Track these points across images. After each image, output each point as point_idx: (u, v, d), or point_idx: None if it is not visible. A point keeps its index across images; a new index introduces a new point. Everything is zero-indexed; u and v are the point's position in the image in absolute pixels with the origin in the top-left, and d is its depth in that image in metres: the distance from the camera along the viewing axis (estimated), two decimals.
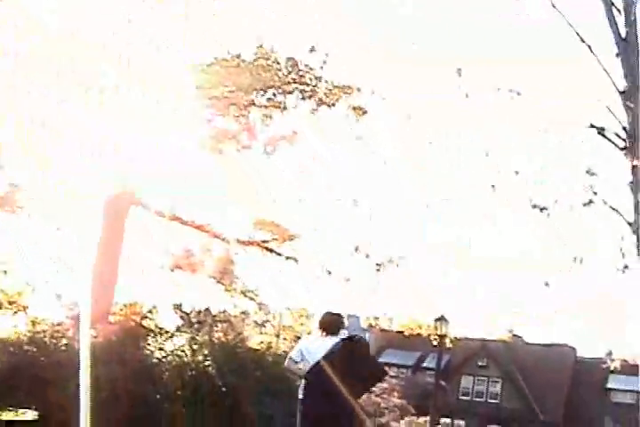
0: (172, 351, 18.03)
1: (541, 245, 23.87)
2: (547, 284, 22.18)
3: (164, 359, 17.80)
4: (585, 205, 21.29)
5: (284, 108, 19.19)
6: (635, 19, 22.31)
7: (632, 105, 22.87)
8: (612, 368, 48.04)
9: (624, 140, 23.15)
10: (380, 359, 62.10)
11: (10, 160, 19.97)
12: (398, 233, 22.25)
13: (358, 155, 20.50)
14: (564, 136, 22.35)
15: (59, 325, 17.93)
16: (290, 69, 18.76)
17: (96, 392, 13.83)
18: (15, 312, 22.96)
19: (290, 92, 18.66)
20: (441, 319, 30.49)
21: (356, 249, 21.54)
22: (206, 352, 17.58)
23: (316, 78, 18.85)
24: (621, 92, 23.37)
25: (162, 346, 18.05)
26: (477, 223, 22.98)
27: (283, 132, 20.27)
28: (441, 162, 21.85)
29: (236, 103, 18.80)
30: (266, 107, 19.06)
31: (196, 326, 20.31)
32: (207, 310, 30.66)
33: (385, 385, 52.79)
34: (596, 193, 21.28)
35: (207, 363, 17.26)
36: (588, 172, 20.93)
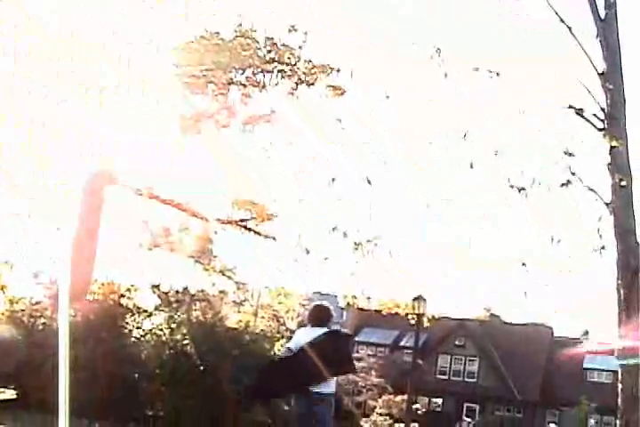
0: (151, 330, 18.09)
1: (519, 225, 23.95)
2: (524, 264, 22.28)
3: (142, 338, 17.86)
4: (563, 185, 21.35)
5: (263, 86, 19.11)
6: (614, 1, 22.36)
7: (611, 86, 22.93)
8: (588, 348, 48.27)
9: (602, 121, 23.22)
10: (358, 338, 62.45)
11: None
12: (376, 213, 22.26)
13: (337, 134, 20.45)
14: (543, 117, 22.38)
15: (37, 304, 17.91)
16: (269, 49, 18.68)
17: (75, 371, 13.85)
18: None
19: (269, 72, 18.59)
20: (418, 299, 30.56)
21: (334, 228, 21.53)
22: (185, 331, 17.63)
23: (295, 57, 18.79)
24: (600, 74, 23.43)
25: (140, 325, 18.09)
26: (453, 204, 23.03)
27: (261, 111, 20.22)
28: (418, 142, 21.91)
29: (215, 82, 18.72)
30: (244, 86, 18.98)
31: (174, 305, 20.32)
32: (185, 289, 30.68)
33: (363, 364, 53.10)
34: (574, 174, 21.34)
35: (185, 342, 17.32)
36: (566, 152, 20.97)
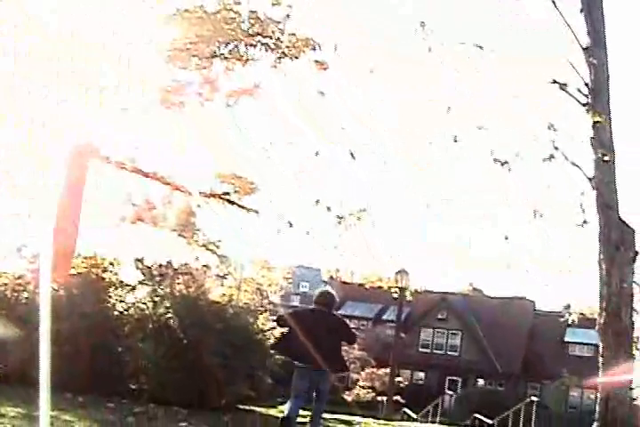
0: (134, 304, 18.04)
1: (501, 199, 24.00)
2: (506, 238, 22.35)
3: (125, 312, 17.80)
4: (546, 160, 21.40)
5: (247, 60, 19.03)
6: None
7: (595, 61, 22.94)
8: (569, 322, 48.56)
9: (586, 95, 23.24)
10: (341, 312, 62.61)
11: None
12: (360, 186, 22.29)
13: (320, 108, 20.43)
14: (527, 91, 22.38)
15: (20, 278, 17.85)
16: (253, 22, 18.59)
17: (58, 345, 13.87)
18: None
19: (252, 45, 18.51)
20: (401, 272, 30.68)
21: (317, 202, 21.52)
22: (168, 305, 17.59)
23: (279, 31, 18.70)
24: (584, 49, 23.44)
25: (123, 299, 18.05)
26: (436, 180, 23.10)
27: (245, 85, 20.16)
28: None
29: (198, 55, 18.64)
30: (228, 59, 18.90)
31: (157, 279, 20.27)
32: (169, 263, 30.65)
33: None
34: (557, 148, 21.38)
35: (169, 315, 17.28)
36: (549, 127, 20.99)
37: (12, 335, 14.89)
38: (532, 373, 65.45)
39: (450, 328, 69.57)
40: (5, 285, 17.43)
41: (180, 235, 26.12)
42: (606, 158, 22.52)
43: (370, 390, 57.25)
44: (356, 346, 54.50)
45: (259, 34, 18.54)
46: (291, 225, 22.55)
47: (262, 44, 18.53)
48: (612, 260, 23.49)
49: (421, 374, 68.71)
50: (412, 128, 22.14)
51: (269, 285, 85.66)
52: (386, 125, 21.90)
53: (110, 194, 23.95)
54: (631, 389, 25.09)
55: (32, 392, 11.12)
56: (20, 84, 17.23)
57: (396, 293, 30.74)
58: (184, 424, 13.16)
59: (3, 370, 15.48)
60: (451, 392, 62.22)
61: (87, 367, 15.79)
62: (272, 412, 17.98)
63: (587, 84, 23.28)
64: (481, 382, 67.27)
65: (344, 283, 67.41)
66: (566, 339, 68.10)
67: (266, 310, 20.65)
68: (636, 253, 23.88)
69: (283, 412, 18.07)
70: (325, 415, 14.48)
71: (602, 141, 23.16)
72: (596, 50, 23.31)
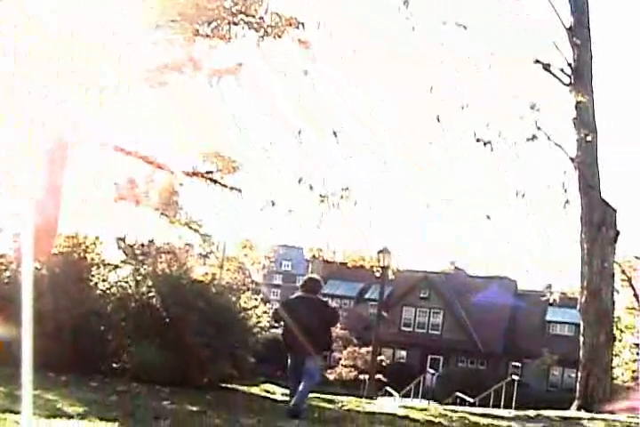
0: (116, 283, 18.01)
1: (484, 178, 24.06)
2: (488, 217, 22.43)
3: (107, 291, 17.78)
4: (529, 140, 21.46)
5: (229, 38, 18.93)
6: None
7: (578, 41, 22.98)
8: (551, 301, 48.86)
9: (569, 76, 23.30)
10: (323, 291, 62.68)
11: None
12: (343, 165, 22.27)
13: (304, 87, 20.37)
14: (510, 71, 22.40)
15: (2, 257, 17.80)
16: (235, 1, 18.48)
17: (41, 324, 13.85)
18: None
19: (235, 24, 18.41)
20: (384, 251, 30.72)
21: (300, 180, 21.52)
22: (150, 284, 17.58)
23: (262, 9, 18.60)
24: (568, 29, 23.46)
25: (105, 278, 18.02)
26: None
27: (227, 64, 20.08)
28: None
29: (181, 33, 18.53)
30: (210, 37, 18.80)
31: (139, 257, 20.23)
32: (151, 241, 30.58)
33: None
34: (539, 128, 21.44)
35: (151, 294, 17.28)
36: (532, 107, 21.04)
37: None
38: (514, 352, 65.83)
39: (432, 307, 69.84)
40: None
41: (162, 214, 26.06)
42: (589, 139, 22.61)
43: (352, 369, 57.50)
44: (338, 325, 54.62)
45: (241, 12, 18.43)
46: (273, 204, 22.56)
47: (245, 22, 18.42)
48: (594, 240, 23.64)
49: (403, 353, 69.03)
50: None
51: (252, 264, 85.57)
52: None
53: (92, 173, 23.86)
54: (611, 368, 25.30)
55: (14, 371, 11.11)
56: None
57: (378, 272, 30.79)
58: (167, 403, 13.18)
59: None
60: (432, 371, 62.50)
61: (70, 347, 15.79)
62: (254, 390, 18.02)
63: (570, 65, 23.33)
64: (462, 360, 67.66)
65: (326, 262, 67.23)
66: (547, 318, 68.47)
67: (248, 289, 20.68)
68: (618, 233, 24.04)
69: (267, 391, 18.20)
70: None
71: (584, 122, 23.24)
72: (579, 30, 23.35)
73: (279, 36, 18.83)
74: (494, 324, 66.98)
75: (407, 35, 20.06)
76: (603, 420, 19.25)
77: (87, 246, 18.40)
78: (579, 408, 22.80)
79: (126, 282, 17.97)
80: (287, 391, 15.24)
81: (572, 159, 23.66)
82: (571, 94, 22.91)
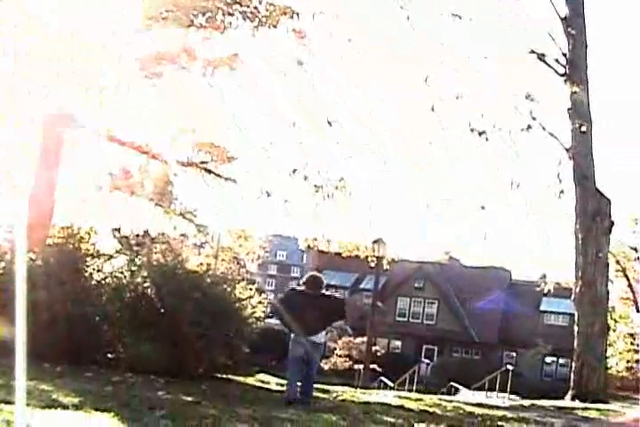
0: (111, 273, 18.00)
1: (479, 169, 24.05)
2: (483, 207, 22.43)
3: (102, 281, 17.78)
4: (523, 130, 21.43)
5: (224, 29, 18.87)
6: None
7: (573, 32, 22.96)
8: (545, 291, 48.94)
9: (564, 66, 23.28)
10: None
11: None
12: (337, 155, 22.26)
13: (298, 78, 20.34)
14: (505, 61, 22.37)
15: None
16: None
17: (36, 315, 13.86)
18: None
19: (230, 14, 18.36)
20: (378, 241, 30.73)
21: (295, 171, 21.51)
22: (145, 274, 17.57)
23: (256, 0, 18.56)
24: (563, 19, 23.44)
25: (100, 268, 18.01)
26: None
27: (222, 54, 20.03)
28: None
29: (176, 24, 18.48)
30: (205, 28, 18.74)
31: (134, 248, 20.24)
32: (146, 232, 30.60)
33: None
34: (534, 118, 21.41)
35: (146, 285, 17.28)
36: (527, 97, 21.01)
37: None
38: (508, 342, 65.96)
39: (426, 297, 69.92)
40: None
41: (157, 204, 26.05)
42: (583, 129, 22.61)
43: (347, 359, 57.54)
44: None
45: (236, 2, 18.38)
46: (268, 194, 22.55)
47: (240, 12, 18.37)
48: (589, 230, 23.66)
49: (398, 343, 69.12)
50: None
51: (247, 254, 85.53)
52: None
53: (87, 163, 23.83)
54: (605, 358, 25.35)
55: (9, 362, 11.10)
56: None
57: (373, 262, 30.81)
58: (162, 393, 13.19)
59: None
60: (427, 361, 62.59)
61: (65, 337, 15.80)
62: (249, 380, 18.05)
63: (564, 55, 23.32)
64: (457, 350, 67.80)
65: (321, 252, 67.18)
66: (542, 308, 68.59)
67: (243, 279, 20.66)
68: (612, 223, 24.07)
69: (262, 381, 18.23)
70: None
71: (579, 112, 23.24)
72: (574, 19, 23.32)
73: (274, 26, 18.78)
74: (489, 314, 67.07)
75: (402, 25, 20.03)
76: (597, 409, 19.30)
77: (82, 237, 18.38)
78: (573, 398, 22.86)
79: (121, 272, 17.97)
80: (282, 382, 15.68)
81: (566, 150, 23.67)
82: (566, 85, 22.91)
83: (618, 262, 56.80)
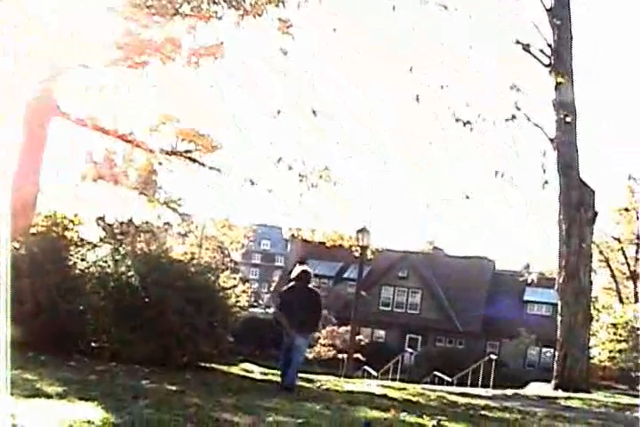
0: (95, 262, 17.96)
1: (463, 158, 24.10)
2: (467, 197, 22.47)
3: (86, 270, 17.73)
4: (508, 120, 21.47)
5: (209, 17, 18.79)
6: None
7: (558, 22, 23.00)
8: (528, 281, 49.14)
9: (549, 57, 23.33)
10: None
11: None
12: (322, 145, 22.27)
13: (284, 68, 20.31)
14: (490, 51, 22.39)
15: None
16: None
17: (20, 304, 13.84)
18: None
19: (215, 3, 18.28)
20: (363, 231, 30.72)
21: (279, 160, 21.52)
22: (129, 263, 17.53)
23: None
24: (548, 10, 23.48)
25: (84, 257, 17.97)
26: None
27: (207, 44, 19.96)
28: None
29: (160, 13, 18.40)
30: (190, 17, 18.67)
31: (118, 237, 20.22)
32: (130, 221, 30.53)
33: None
34: (519, 109, 21.45)
35: (130, 274, 17.23)
36: (512, 87, 21.03)
37: None
38: (492, 331, 66.19)
39: (410, 287, 70.03)
40: None
41: (141, 193, 26.03)
42: (568, 119, 22.67)
43: (330, 348, 57.64)
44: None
45: None
46: (252, 183, 22.55)
47: (225, 1, 18.30)
48: (572, 220, 23.76)
49: (382, 332, 69.26)
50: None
51: (231, 243, 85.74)
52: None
53: (71, 151, 23.76)
54: (588, 347, 25.48)
55: None
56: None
57: (357, 251, 30.82)
58: (146, 382, 13.21)
59: None
60: (411, 350, 62.76)
61: (48, 326, 15.78)
62: (233, 370, 18.07)
63: (549, 45, 23.36)
64: (441, 340, 68.00)
65: (305, 241, 67.21)
66: (525, 298, 68.86)
67: (227, 268, 20.66)
68: (596, 213, 24.18)
69: (245, 370, 18.25)
70: None
71: (564, 102, 23.30)
72: (559, 10, 23.36)
73: (259, 15, 18.72)
74: (473, 304, 67.29)
75: (387, 14, 20.00)
76: (579, 399, 19.42)
77: (65, 226, 18.34)
78: (556, 387, 22.99)
79: (105, 261, 17.92)
80: (266, 371, 16.76)
81: (551, 140, 23.74)
82: (550, 75, 22.96)
83: (601, 253, 57.12)
